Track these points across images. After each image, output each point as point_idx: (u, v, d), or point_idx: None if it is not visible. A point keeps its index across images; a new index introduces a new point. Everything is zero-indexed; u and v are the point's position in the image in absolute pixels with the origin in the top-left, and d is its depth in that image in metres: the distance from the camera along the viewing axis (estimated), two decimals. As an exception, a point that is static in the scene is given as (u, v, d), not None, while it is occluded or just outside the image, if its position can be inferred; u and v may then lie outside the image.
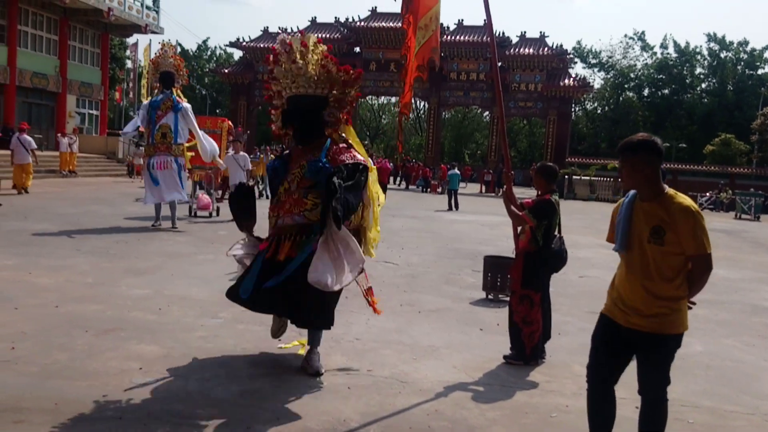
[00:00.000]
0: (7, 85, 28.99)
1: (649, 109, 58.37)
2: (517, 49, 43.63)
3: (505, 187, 5.57)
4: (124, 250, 9.58)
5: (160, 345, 5.28)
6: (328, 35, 42.89)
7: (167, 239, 11.01)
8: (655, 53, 60.80)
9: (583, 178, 34.92)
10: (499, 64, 39.40)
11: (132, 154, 29.15)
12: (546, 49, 43.55)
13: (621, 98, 59.62)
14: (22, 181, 17.66)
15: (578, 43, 63.20)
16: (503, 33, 44.19)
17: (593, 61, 61.99)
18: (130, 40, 45.31)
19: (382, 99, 64.84)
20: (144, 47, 41.71)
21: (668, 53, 59.87)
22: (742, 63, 57.55)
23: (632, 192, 3.36)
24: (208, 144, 12.99)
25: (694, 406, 4.66)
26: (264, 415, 4.07)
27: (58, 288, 7.01)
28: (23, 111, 30.08)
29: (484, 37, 41.91)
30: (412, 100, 6.53)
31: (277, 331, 5.24)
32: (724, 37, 58.23)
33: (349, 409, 4.23)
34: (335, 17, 46.96)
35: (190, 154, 12.92)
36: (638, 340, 3.28)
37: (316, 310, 4.69)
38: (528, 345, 5.36)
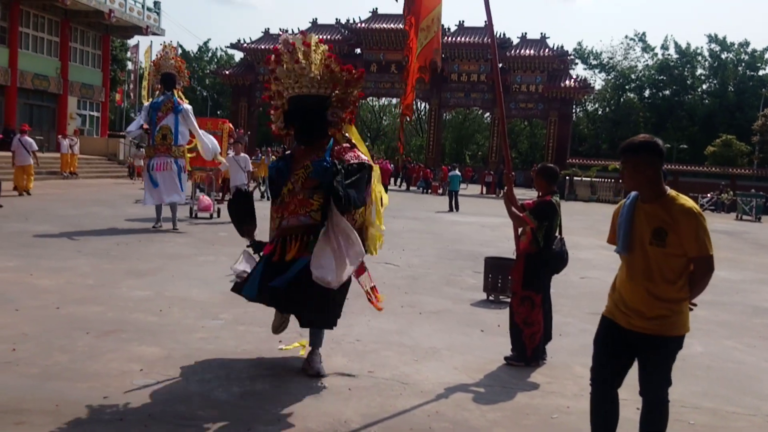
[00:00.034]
0: (8, 87, 29.02)
1: (650, 110, 58.38)
2: (517, 51, 43.66)
3: (506, 188, 5.57)
4: (124, 252, 9.59)
5: (161, 346, 5.28)
6: (328, 36, 42.90)
7: (168, 241, 11.01)
8: (656, 54, 60.88)
9: (584, 179, 34.93)
10: (500, 65, 39.51)
11: (133, 155, 29.19)
12: (547, 50, 43.56)
13: (622, 99, 59.64)
14: (24, 183, 17.68)
15: (579, 44, 63.49)
16: (504, 34, 44.26)
17: (594, 62, 62.06)
18: (131, 42, 45.49)
19: (383, 100, 64.93)
20: (145, 49, 41.80)
21: (669, 54, 59.96)
22: (743, 64, 57.57)
23: (633, 193, 3.35)
24: (209, 142, 13.00)
25: (695, 407, 4.66)
26: (265, 417, 4.07)
27: (59, 289, 7.01)
28: (24, 112, 30.10)
29: (485, 39, 41.91)
30: (414, 102, 6.51)
31: (279, 327, 5.21)
32: (725, 38, 58.33)
33: (350, 411, 4.23)
34: (336, 18, 47.01)
35: (190, 155, 12.93)
36: (640, 341, 3.27)
37: (319, 309, 4.68)
38: (529, 346, 5.36)
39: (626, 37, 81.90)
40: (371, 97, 55.32)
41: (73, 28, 33.17)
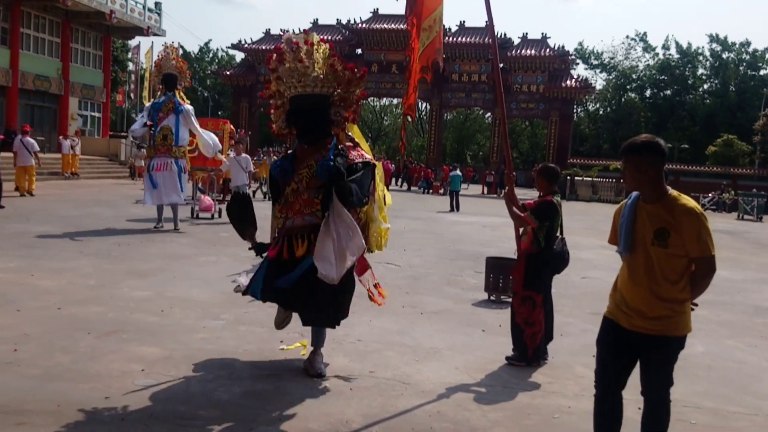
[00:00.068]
0: (10, 88, 29.04)
1: (652, 110, 58.34)
2: (518, 51, 43.67)
3: (507, 188, 5.56)
4: (126, 252, 9.60)
5: (162, 347, 5.28)
6: (329, 37, 42.86)
7: (169, 241, 11.02)
8: (657, 54, 60.85)
9: (585, 179, 34.91)
10: (501, 65, 39.50)
11: (134, 156, 29.21)
12: (548, 50, 43.57)
13: (623, 99, 59.61)
14: (25, 184, 17.70)
15: (580, 44, 63.50)
16: (505, 34, 44.33)
17: (595, 62, 62.02)
18: (132, 43, 45.46)
19: (384, 100, 64.95)
20: (146, 50, 41.88)
21: (670, 54, 59.94)
22: (744, 64, 57.53)
23: (635, 193, 3.34)
24: (209, 139, 13.01)
25: (696, 406, 4.65)
26: (266, 417, 4.07)
27: (60, 290, 7.02)
28: (25, 113, 30.12)
29: (486, 39, 41.87)
30: (417, 102, 6.48)
31: (282, 323, 5.20)
32: (726, 38, 58.27)
33: (351, 411, 4.23)
34: (337, 19, 47.06)
35: (191, 155, 12.94)
36: (641, 342, 3.26)
37: (320, 308, 4.68)
38: (530, 346, 5.35)
39: (627, 36, 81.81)
40: (372, 98, 55.34)
41: (74, 29, 33.20)
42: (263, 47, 45.16)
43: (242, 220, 5.17)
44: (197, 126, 12.81)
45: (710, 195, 33.41)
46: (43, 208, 14.61)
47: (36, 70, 30.50)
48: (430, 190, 34.02)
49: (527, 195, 20.04)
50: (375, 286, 5.21)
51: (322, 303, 4.64)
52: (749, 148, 44.10)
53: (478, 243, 13.38)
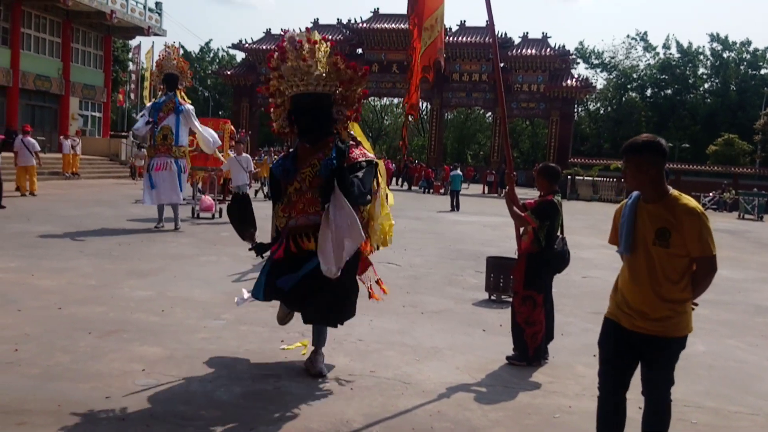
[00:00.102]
0: (10, 88, 29.05)
1: (652, 110, 58.34)
2: (519, 50, 43.67)
3: (507, 187, 5.56)
4: (126, 252, 9.60)
5: (163, 346, 5.28)
6: (330, 37, 42.70)
7: (170, 241, 11.02)
8: (658, 53, 60.84)
9: (585, 178, 34.89)
10: (502, 64, 39.42)
11: (134, 156, 29.21)
12: (548, 49, 43.56)
13: (624, 98, 59.60)
14: (25, 184, 17.70)
15: (581, 43, 63.48)
16: (505, 34, 44.33)
17: (596, 62, 62.02)
18: (133, 43, 45.49)
19: (385, 100, 64.97)
20: (147, 49, 41.93)
21: (671, 53, 59.93)
22: (745, 63, 57.51)
23: (635, 193, 3.33)
24: (209, 135, 13.01)
25: (697, 406, 4.65)
26: (267, 417, 4.07)
27: (60, 290, 7.02)
28: (26, 113, 30.14)
29: (487, 38, 41.87)
30: (419, 101, 6.45)
31: (284, 318, 5.20)
32: (726, 37, 58.25)
33: (351, 411, 4.23)
34: (337, 19, 47.04)
35: (192, 151, 12.96)
36: (643, 343, 3.25)
37: (322, 307, 4.68)
38: (531, 346, 5.35)
39: (628, 36, 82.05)
40: (373, 97, 55.38)
41: (75, 29, 33.21)
42: (264, 47, 45.14)
43: (242, 220, 5.17)
44: (196, 124, 12.81)
45: (711, 194, 33.39)
46: (44, 208, 14.61)
47: (37, 70, 30.51)
48: (431, 190, 34.01)
49: (528, 194, 20.03)
50: (377, 282, 5.21)
51: (323, 302, 4.64)
52: (750, 148, 44.10)
53: (479, 242, 13.38)
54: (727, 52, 58.19)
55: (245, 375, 4.78)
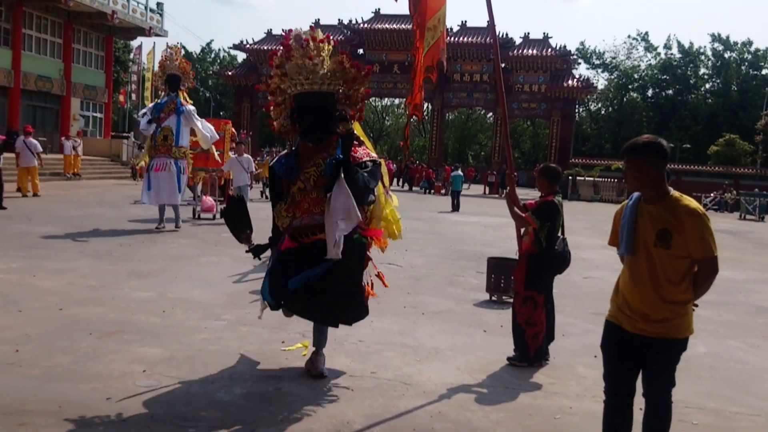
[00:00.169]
0: (12, 89, 29.04)
1: (653, 110, 58.29)
2: (520, 50, 43.68)
3: (508, 188, 5.56)
4: (127, 253, 9.60)
5: (164, 347, 5.28)
6: (331, 37, 42.86)
7: (171, 242, 11.02)
8: (659, 54, 60.78)
9: (586, 179, 34.90)
10: (503, 65, 39.51)
11: (135, 156, 29.20)
12: (549, 50, 43.57)
13: (625, 99, 59.56)
14: (27, 185, 17.71)
15: (582, 43, 63.37)
16: (506, 34, 44.36)
17: (597, 62, 61.96)
18: (134, 43, 45.48)
19: (386, 101, 64.97)
20: (148, 50, 41.97)
21: (672, 54, 59.84)
22: (746, 63, 57.44)
23: (636, 194, 3.32)
24: (207, 131, 13.02)
25: (698, 407, 4.64)
26: (268, 418, 4.07)
27: (61, 291, 7.02)
28: (27, 114, 30.14)
29: (488, 39, 41.90)
30: (423, 102, 6.43)
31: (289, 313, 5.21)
32: (728, 37, 58.17)
33: (352, 412, 4.23)
34: (338, 19, 47.19)
35: (193, 154, 12.97)
36: (644, 345, 3.24)
37: (322, 307, 4.67)
38: (532, 346, 5.35)
39: (629, 36, 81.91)
40: (374, 98, 55.37)
41: (76, 30, 33.21)
42: (265, 47, 45.16)
43: (238, 222, 5.17)
44: (196, 123, 12.81)
45: (712, 195, 33.38)
46: (45, 209, 14.62)
47: (38, 71, 30.51)
48: (432, 191, 34.00)
49: (529, 195, 20.03)
50: (377, 275, 5.19)
51: (325, 301, 4.63)
52: (751, 148, 44.06)
53: (480, 243, 13.37)
54: (728, 52, 58.12)
55: (246, 376, 4.78)
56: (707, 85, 59.65)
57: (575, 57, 49.88)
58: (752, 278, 10.98)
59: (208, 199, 14.84)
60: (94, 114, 35.89)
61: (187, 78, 13.05)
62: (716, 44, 58.27)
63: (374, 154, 4.95)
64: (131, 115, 48.53)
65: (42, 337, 5.33)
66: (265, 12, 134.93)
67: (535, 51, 43.50)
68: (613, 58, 61.58)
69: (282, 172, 4.84)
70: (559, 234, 5.50)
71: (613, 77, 61.54)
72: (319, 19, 47.74)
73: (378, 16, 45.83)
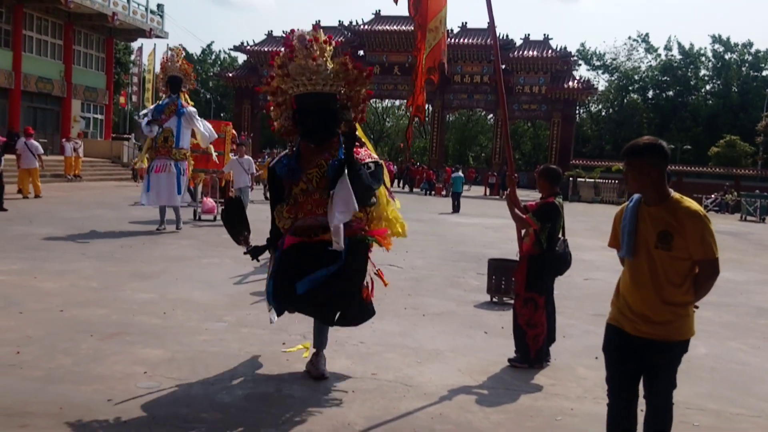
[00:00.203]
0: (12, 90, 29.07)
1: (654, 111, 58.29)
2: (520, 52, 43.69)
3: (508, 189, 5.56)
4: (128, 255, 9.60)
5: (165, 349, 5.28)
6: (333, 38, 42.90)
7: (172, 243, 11.03)
8: (660, 55, 60.76)
9: (587, 180, 34.91)
10: (503, 66, 39.51)
11: (136, 157, 29.19)
12: (550, 51, 43.57)
13: (625, 100, 59.56)
14: (28, 187, 17.71)
15: (582, 45, 63.39)
16: (507, 36, 44.32)
17: (597, 63, 61.95)
18: (135, 45, 45.50)
19: (386, 102, 64.95)
20: (149, 52, 42.01)
21: (672, 55, 59.81)
22: (747, 64, 57.42)
23: (636, 196, 3.31)
24: (206, 130, 13.03)
25: (699, 408, 4.64)
26: (268, 420, 4.07)
27: (62, 292, 7.03)
28: (28, 115, 30.16)
29: (488, 40, 41.88)
30: (425, 103, 6.44)
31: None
32: (728, 38, 58.14)
33: (353, 413, 4.23)
34: (339, 21, 47.15)
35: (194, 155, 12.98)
36: (645, 347, 3.23)
37: (323, 306, 4.68)
38: (532, 348, 5.35)
39: (629, 38, 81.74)
40: (374, 99, 55.35)
41: (77, 31, 33.23)
42: (265, 49, 45.19)
43: (235, 224, 5.18)
44: (198, 124, 12.81)
45: (713, 196, 33.37)
46: (46, 211, 14.63)
47: (38, 73, 30.53)
48: (433, 192, 34.00)
49: (529, 196, 20.03)
50: (377, 273, 5.17)
51: (328, 301, 4.63)
52: (752, 149, 44.05)
53: (481, 245, 13.38)
54: (728, 53, 58.11)
55: (247, 377, 4.78)
56: (708, 87, 59.64)
57: (576, 58, 49.92)
58: (753, 279, 10.98)
59: (209, 201, 14.85)
60: (95, 115, 35.91)
61: (189, 80, 13.06)
62: (717, 45, 58.27)
63: (375, 156, 4.96)
64: (132, 117, 48.54)
65: (43, 339, 5.34)
66: (266, 13, 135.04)
67: (535, 52, 43.52)
68: (614, 59, 61.61)
69: (283, 173, 4.82)
70: (560, 235, 5.50)
71: (613, 78, 61.55)
72: (319, 21, 47.69)
73: (378, 17, 45.86)
